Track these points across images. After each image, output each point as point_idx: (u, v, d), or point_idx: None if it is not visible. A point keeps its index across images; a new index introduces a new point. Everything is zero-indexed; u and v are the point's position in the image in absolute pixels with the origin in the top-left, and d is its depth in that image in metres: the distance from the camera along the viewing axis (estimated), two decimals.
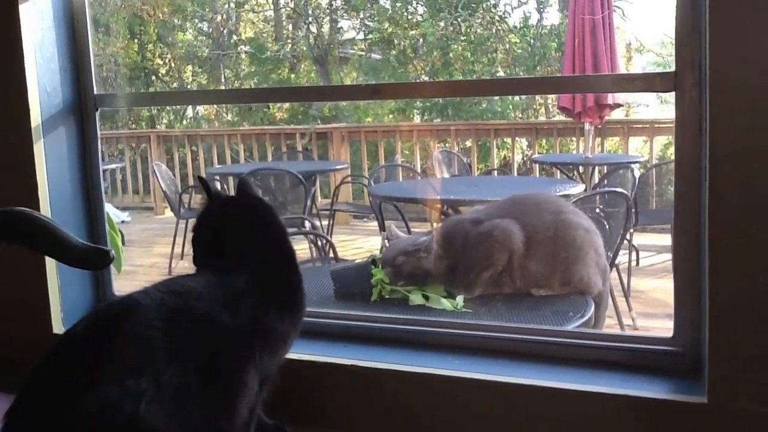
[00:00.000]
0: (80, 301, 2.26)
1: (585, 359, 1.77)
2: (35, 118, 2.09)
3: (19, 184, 2.12)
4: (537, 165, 7.51)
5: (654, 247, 5.85)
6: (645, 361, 1.71)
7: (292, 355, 1.84)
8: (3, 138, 2.14)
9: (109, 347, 1.21)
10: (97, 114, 2.24)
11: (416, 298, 2.39)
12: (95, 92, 2.23)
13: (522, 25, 11.18)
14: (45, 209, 2.10)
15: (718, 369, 1.52)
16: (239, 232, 1.57)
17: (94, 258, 1.42)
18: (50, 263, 2.14)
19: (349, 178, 7.80)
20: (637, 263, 5.38)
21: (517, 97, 11.08)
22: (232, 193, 1.72)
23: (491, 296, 2.46)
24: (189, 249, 1.67)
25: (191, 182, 8.37)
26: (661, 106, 10.59)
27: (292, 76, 12.89)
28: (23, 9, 2.04)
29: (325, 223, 6.49)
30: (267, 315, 1.45)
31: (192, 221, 1.94)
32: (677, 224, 1.67)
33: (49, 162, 2.13)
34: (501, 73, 11.30)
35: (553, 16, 11.61)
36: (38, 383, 1.21)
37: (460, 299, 2.37)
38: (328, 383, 1.85)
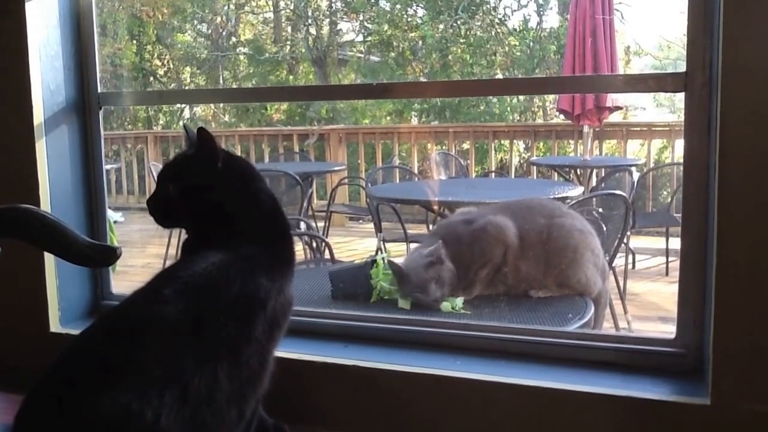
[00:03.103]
0: (78, 300, 2.26)
1: (587, 360, 1.77)
2: (38, 115, 2.09)
3: (21, 182, 2.12)
4: (535, 167, 7.52)
5: (649, 250, 5.85)
6: (647, 362, 1.72)
7: (292, 355, 1.85)
8: (5, 135, 2.13)
9: (132, 355, 1.18)
10: (101, 113, 2.25)
11: (404, 303, 2.39)
12: (99, 91, 2.23)
13: (522, 27, 11.20)
14: (46, 207, 2.10)
15: (721, 370, 1.52)
16: (240, 198, 1.51)
17: (100, 256, 1.42)
18: (49, 262, 2.13)
19: (346, 180, 7.79)
20: (633, 266, 5.39)
21: (515, 100, 11.09)
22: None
23: (490, 297, 2.46)
24: None
25: None
26: (657, 110, 10.62)
27: (291, 77, 12.88)
28: (29, 7, 2.04)
29: (321, 224, 6.48)
30: (286, 283, 1.45)
31: None
32: (684, 224, 1.68)
33: (50, 160, 2.13)
34: (499, 76, 11.30)
35: (552, 19, 11.64)
36: (53, 385, 1.19)
37: (459, 300, 2.37)
38: (328, 383, 1.85)
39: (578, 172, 6.52)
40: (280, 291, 1.42)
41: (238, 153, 8.80)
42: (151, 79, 13.40)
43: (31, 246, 1.48)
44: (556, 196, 3.96)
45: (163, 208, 1.51)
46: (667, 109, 10.47)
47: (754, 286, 1.49)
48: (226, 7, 13.48)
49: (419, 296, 2.36)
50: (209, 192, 1.48)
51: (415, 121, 11.79)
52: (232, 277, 1.33)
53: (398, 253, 4.67)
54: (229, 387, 1.26)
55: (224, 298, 1.30)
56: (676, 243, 4.82)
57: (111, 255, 1.41)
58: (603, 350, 1.78)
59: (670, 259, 5.31)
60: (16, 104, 2.09)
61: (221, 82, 13.35)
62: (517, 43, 11.24)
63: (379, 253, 4.69)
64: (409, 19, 11.96)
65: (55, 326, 2.17)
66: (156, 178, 1.55)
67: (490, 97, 10.56)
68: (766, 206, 1.46)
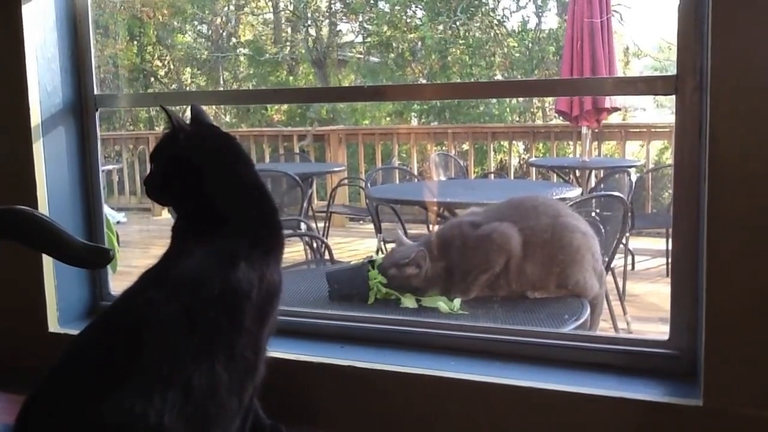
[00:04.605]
0: (77, 300, 2.27)
1: (581, 361, 1.77)
2: (35, 117, 2.10)
3: (18, 184, 2.13)
4: (534, 168, 7.52)
5: (649, 251, 5.85)
6: (641, 364, 1.72)
7: (289, 356, 1.86)
8: (2, 137, 2.14)
9: (132, 356, 1.19)
10: (97, 114, 2.25)
11: (408, 301, 2.40)
12: (96, 93, 2.24)
13: (520, 29, 11.21)
14: (43, 208, 2.11)
15: (714, 372, 1.53)
16: (216, 178, 1.50)
17: (94, 257, 1.42)
18: (47, 262, 2.14)
19: (346, 181, 7.80)
20: (633, 267, 5.39)
21: (514, 101, 11.10)
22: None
23: (488, 298, 2.46)
24: None
25: None
26: (657, 111, 10.61)
27: (291, 78, 12.90)
28: (26, 9, 2.05)
29: (321, 225, 6.49)
30: (270, 269, 1.44)
31: None
32: (675, 227, 1.69)
33: (48, 162, 2.14)
34: (499, 77, 11.32)
35: (551, 20, 11.65)
36: (54, 388, 1.19)
37: (457, 302, 2.37)
38: (325, 384, 1.86)
39: (577, 174, 6.53)
40: (262, 278, 1.40)
41: None
42: (152, 79, 13.42)
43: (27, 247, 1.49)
44: (555, 198, 3.96)
45: (150, 186, 1.54)
46: (668, 110, 10.47)
47: (746, 289, 1.49)
48: (226, 8, 13.50)
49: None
50: (177, 170, 1.50)
51: (414, 122, 11.81)
52: (216, 275, 1.34)
53: None
54: (229, 379, 1.27)
55: (211, 296, 1.31)
56: None
57: (104, 256, 1.41)
58: (597, 351, 1.78)
59: (670, 260, 5.29)
60: (14, 106, 2.09)
61: (221, 82, 13.37)
62: (516, 45, 11.25)
63: (379, 253, 4.70)
64: (409, 21, 11.97)
65: (53, 326, 2.18)
66: None
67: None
68: (756, 210, 1.47)
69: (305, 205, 5.39)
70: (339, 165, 7.75)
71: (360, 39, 12.92)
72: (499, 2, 11.46)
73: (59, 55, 2.17)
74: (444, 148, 8.09)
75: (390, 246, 4.60)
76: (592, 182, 6.38)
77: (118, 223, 7.95)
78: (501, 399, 1.70)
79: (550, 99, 9.54)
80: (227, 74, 13.62)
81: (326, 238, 5.93)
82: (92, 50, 2.24)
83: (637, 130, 7.79)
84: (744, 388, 1.52)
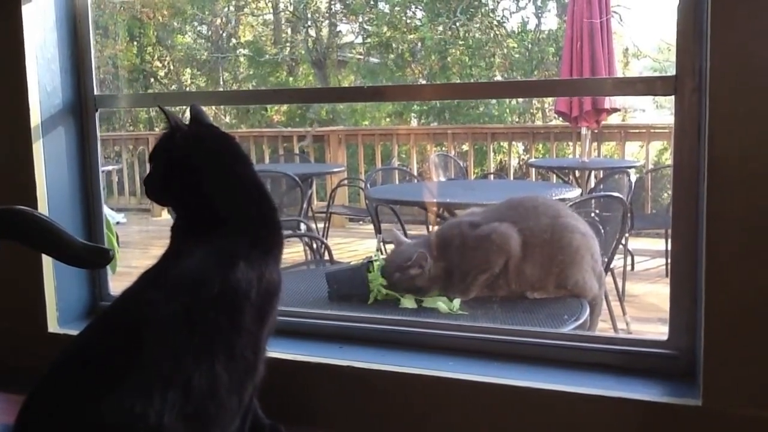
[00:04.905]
0: (76, 300, 2.27)
1: (580, 362, 1.77)
2: (35, 118, 2.10)
3: (18, 184, 2.13)
4: (533, 169, 7.53)
5: (648, 252, 5.86)
6: (640, 364, 1.72)
7: (288, 356, 1.86)
8: (2, 137, 2.14)
9: (132, 356, 1.19)
10: (97, 115, 2.26)
11: (407, 302, 2.40)
12: (95, 93, 2.24)
13: (520, 29, 11.22)
14: (43, 209, 2.11)
15: (713, 372, 1.53)
16: (215, 178, 1.49)
17: (93, 257, 1.42)
18: (47, 263, 2.14)
19: (346, 181, 7.80)
20: (632, 267, 5.39)
21: (514, 102, 11.12)
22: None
23: (487, 299, 2.47)
24: None
25: None
26: (657, 111, 10.63)
27: (290, 79, 12.91)
28: (26, 10, 2.05)
29: (320, 225, 6.49)
30: (269, 269, 1.44)
31: None
32: (674, 228, 1.69)
33: (48, 162, 2.14)
34: (498, 78, 11.33)
35: (551, 21, 11.66)
36: (54, 388, 1.19)
37: (456, 302, 2.37)
38: (324, 384, 1.86)
39: (576, 174, 6.53)
40: (261, 278, 1.40)
41: None
42: (152, 80, 13.43)
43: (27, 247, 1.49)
44: (555, 198, 3.96)
45: (149, 186, 1.54)
46: (668, 110, 10.51)
47: (745, 289, 1.49)
48: (226, 9, 13.51)
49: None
50: (176, 170, 1.49)
51: (414, 123, 11.82)
52: (215, 275, 1.34)
53: None
54: (228, 379, 1.27)
55: (211, 295, 1.31)
56: None
57: (104, 256, 1.41)
58: (597, 352, 1.78)
59: (669, 260, 5.28)
60: (14, 106, 2.09)
61: (221, 83, 13.38)
62: (516, 45, 11.26)
63: (379, 254, 4.70)
64: (408, 21, 11.99)
65: (53, 327, 2.18)
66: None
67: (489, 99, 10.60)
68: (755, 210, 1.47)
69: (305, 205, 5.39)
70: (339, 165, 7.75)
71: (360, 40, 12.93)
72: (498, 3, 11.48)
73: (59, 55, 2.17)
74: (444, 148, 8.10)
75: (389, 247, 4.61)
76: (592, 183, 6.38)
77: (117, 223, 7.94)
78: (499, 399, 1.70)
79: (549, 100, 9.55)
80: (227, 75, 13.64)
81: (326, 238, 5.94)
82: (92, 51, 2.24)
83: (637, 130, 7.80)
84: (743, 389, 1.52)
